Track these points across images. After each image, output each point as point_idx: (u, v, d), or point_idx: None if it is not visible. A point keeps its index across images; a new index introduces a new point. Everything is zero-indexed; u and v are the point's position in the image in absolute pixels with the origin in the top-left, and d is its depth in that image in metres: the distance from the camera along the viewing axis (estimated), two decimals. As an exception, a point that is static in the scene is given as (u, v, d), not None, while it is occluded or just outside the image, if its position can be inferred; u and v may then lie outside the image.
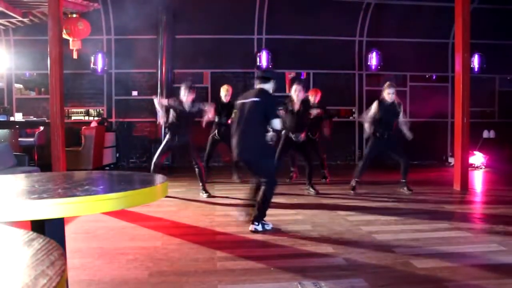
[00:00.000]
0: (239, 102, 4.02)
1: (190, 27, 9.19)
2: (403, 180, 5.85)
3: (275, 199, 5.35)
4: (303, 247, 3.37)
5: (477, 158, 8.74)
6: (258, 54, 9.34)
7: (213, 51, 9.35)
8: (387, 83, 5.78)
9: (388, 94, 5.64)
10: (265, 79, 4.00)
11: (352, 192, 5.81)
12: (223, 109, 6.61)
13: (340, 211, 4.73)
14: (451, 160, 9.03)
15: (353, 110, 9.94)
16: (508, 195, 5.93)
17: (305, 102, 5.77)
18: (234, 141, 3.94)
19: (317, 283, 2.58)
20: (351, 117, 9.98)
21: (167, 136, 5.59)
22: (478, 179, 7.53)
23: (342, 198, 5.51)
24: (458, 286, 2.58)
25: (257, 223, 3.84)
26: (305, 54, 9.58)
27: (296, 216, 4.47)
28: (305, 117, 5.69)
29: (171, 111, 5.50)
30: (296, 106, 5.55)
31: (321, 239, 3.58)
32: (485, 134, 9.37)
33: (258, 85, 4.03)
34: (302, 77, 9.95)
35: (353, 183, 5.86)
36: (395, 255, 3.14)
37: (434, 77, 10.30)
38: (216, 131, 6.69)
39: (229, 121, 6.37)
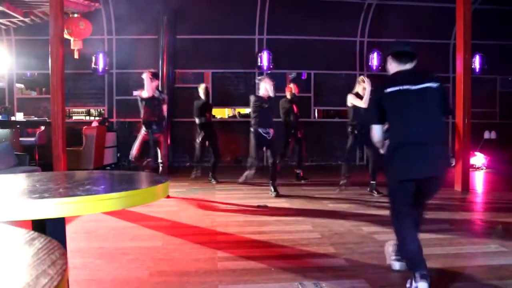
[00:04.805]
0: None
1: (191, 27, 9.20)
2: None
3: (276, 200, 5.39)
4: (304, 248, 3.37)
5: (478, 159, 8.73)
6: (259, 54, 9.35)
7: (214, 51, 9.36)
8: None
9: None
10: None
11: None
12: (205, 109, 6.68)
13: (341, 211, 4.73)
14: (452, 161, 9.02)
15: (354, 110, 9.94)
16: (509, 195, 5.92)
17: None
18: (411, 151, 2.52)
19: (317, 283, 2.57)
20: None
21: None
22: (479, 180, 7.52)
23: (342, 198, 5.51)
24: (459, 287, 2.58)
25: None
26: (306, 54, 9.58)
27: (297, 217, 4.47)
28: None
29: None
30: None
31: (322, 240, 3.58)
32: (486, 135, 9.36)
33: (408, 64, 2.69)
34: (303, 77, 9.96)
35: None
36: (396, 256, 3.13)
37: (435, 78, 10.28)
38: (203, 132, 6.70)
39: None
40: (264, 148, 5.85)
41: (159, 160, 5.60)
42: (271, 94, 5.65)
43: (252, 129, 5.65)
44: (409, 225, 2.54)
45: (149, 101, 5.45)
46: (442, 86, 2.65)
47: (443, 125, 2.73)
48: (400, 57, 2.69)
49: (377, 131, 2.71)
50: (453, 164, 6.51)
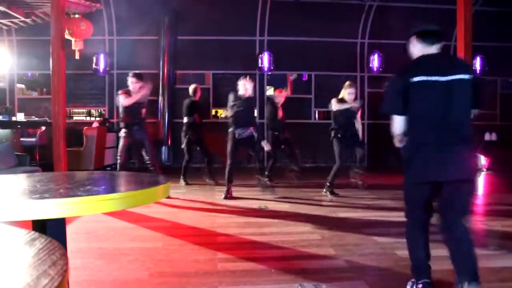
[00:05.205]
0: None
1: (192, 28, 9.21)
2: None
3: (276, 201, 5.39)
4: (304, 249, 3.37)
5: (479, 160, 8.72)
6: (260, 55, 9.35)
7: (215, 52, 9.37)
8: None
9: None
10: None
11: None
12: (192, 109, 6.59)
13: (341, 213, 4.73)
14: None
15: (355, 112, 9.95)
16: (510, 197, 5.91)
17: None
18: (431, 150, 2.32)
19: (318, 285, 2.57)
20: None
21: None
22: (479, 182, 7.51)
23: (342, 200, 5.51)
24: (459, 289, 2.57)
25: None
26: (306, 55, 9.59)
27: (297, 218, 4.47)
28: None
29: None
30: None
31: (322, 241, 3.58)
32: (487, 136, 9.35)
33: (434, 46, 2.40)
34: (304, 79, 9.96)
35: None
36: (397, 257, 3.13)
37: (436, 79, 10.28)
38: (191, 132, 6.54)
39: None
40: (247, 149, 5.78)
41: (147, 162, 5.58)
42: (250, 93, 5.62)
43: (229, 130, 5.52)
44: (419, 228, 2.44)
45: (132, 105, 5.40)
46: (476, 78, 2.38)
47: (470, 123, 2.45)
48: (426, 37, 2.40)
49: (399, 123, 2.37)
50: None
